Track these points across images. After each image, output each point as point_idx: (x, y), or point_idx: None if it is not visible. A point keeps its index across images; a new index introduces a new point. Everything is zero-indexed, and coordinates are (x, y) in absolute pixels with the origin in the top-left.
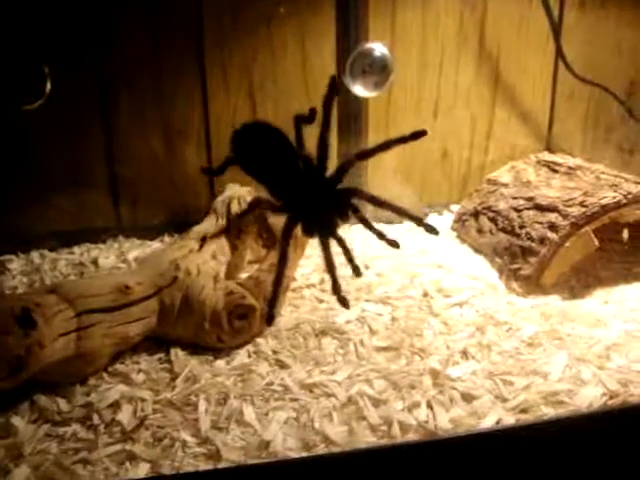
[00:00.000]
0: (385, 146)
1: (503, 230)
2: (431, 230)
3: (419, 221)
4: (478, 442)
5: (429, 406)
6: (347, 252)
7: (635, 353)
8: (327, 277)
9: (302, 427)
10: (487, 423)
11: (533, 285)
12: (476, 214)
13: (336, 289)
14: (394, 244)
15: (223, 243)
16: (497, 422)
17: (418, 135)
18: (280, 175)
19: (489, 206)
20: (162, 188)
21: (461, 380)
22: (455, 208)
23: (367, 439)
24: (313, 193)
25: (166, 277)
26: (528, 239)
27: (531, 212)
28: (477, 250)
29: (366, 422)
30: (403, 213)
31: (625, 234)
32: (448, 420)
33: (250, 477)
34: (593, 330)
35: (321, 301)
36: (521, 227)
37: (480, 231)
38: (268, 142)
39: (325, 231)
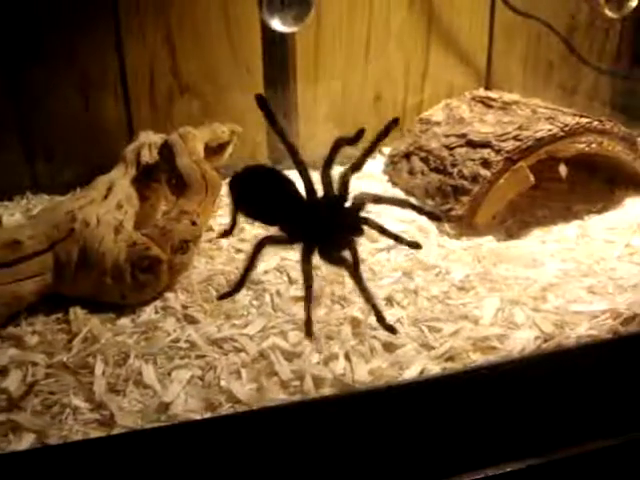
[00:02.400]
0: (371, 149)
1: (435, 170)
2: (434, 217)
3: (420, 210)
4: (397, 395)
5: (347, 358)
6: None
7: (572, 293)
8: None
9: (207, 386)
10: (410, 374)
11: (466, 226)
12: (407, 155)
13: (379, 317)
14: (415, 245)
15: (131, 192)
16: (421, 372)
17: (394, 123)
18: (288, 215)
19: (421, 146)
20: (78, 142)
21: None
22: (388, 150)
23: (276, 396)
24: (324, 222)
25: (61, 229)
26: (460, 177)
27: (463, 149)
28: (409, 192)
29: (277, 378)
30: (406, 204)
31: (562, 170)
32: (367, 372)
33: (145, 443)
34: (529, 271)
35: (239, 251)
36: (453, 165)
37: (411, 172)
38: (269, 187)
39: (343, 254)
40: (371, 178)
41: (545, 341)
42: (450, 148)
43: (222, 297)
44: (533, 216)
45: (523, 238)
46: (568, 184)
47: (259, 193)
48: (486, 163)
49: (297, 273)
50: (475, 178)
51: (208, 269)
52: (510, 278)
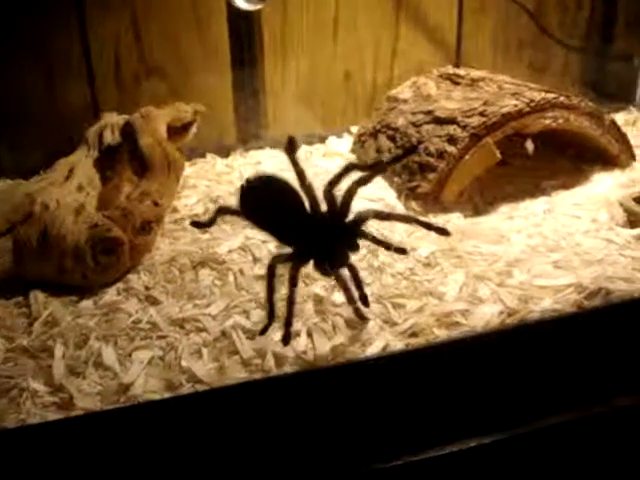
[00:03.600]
0: (381, 167)
1: (402, 148)
2: (442, 232)
3: (428, 225)
4: (359, 371)
5: (309, 335)
6: (358, 281)
7: (538, 268)
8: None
9: (167, 367)
10: (373, 350)
11: (432, 203)
12: (375, 133)
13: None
14: (401, 251)
15: (93, 174)
16: (383, 348)
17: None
18: (293, 226)
19: (388, 124)
20: (43, 126)
21: (347, 305)
22: (355, 129)
23: (237, 375)
24: (321, 235)
25: (19, 212)
26: (427, 155)
27: (430, 126)
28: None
29: (238, 356)
30: (412, 220)
31: (529, 146)
32: (329, 349)
33: (103, 425)
34: (495, 247)
35: (204, 232)
36: (419, 143)
37: (379, 151)
38: (278, 197)
39: (339, 266)
40: (339, 157)
41: (509, 315)
42: (417, 125)
43: (263, 332)
44: (500, 192)
45: (490, 214)
46: (535, 160)
47: (265, 202)
48: (452, 139)
49: (261, 252)
50: (441, 155)
51: (171, 250)
52: (476, 254)
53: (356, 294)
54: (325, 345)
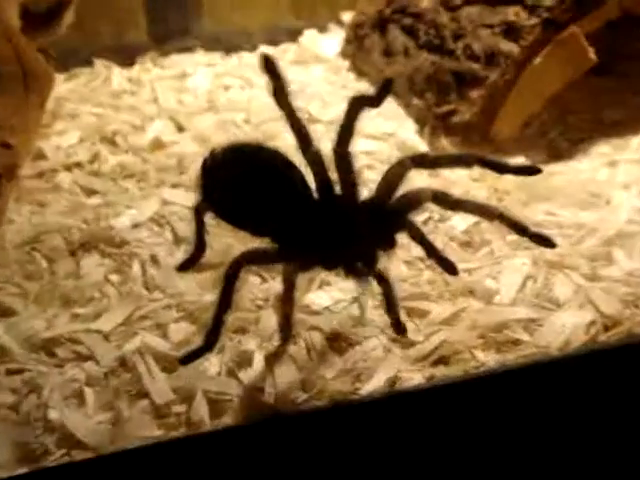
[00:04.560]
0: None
1: (427, 46)
2: (546, 243)
3: (524, 231)
4: (347, 421)
5: (267, 363)
6: (391, 297)
7: None
8: None
9: (24, 422)
10: (372, 387)
11: (478, 140)
12: (382, 24)
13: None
14: (452, 270)
15: None
16: (391, 384)
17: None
18: (289, 220)
19: (403, 7)
20: None
21: (330, 311)
22: (349, 17)
23: (145, 432)
24: (340, 229)
25: None
26: (468, 58)
27: (474, 9)
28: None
29: (147, 401)
30: (496, 216)
31: None
32: (298, 386)
33: None
34: (585, 213)
35: (93, 193)
36: (457, 37)
37: (389, 53)
38: (260, 177)
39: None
40: (322, 64)
41: (606, 329)
42: (452, 8)
43: (185, 361)
44: (596, 122)
45: (577, 159)
46: None
47: (244, 186)
48: (512, 30)
49: (185, 225)
50: (493, 57)
51: (34, 224)
52: (551, 226)
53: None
54: (293, 378)
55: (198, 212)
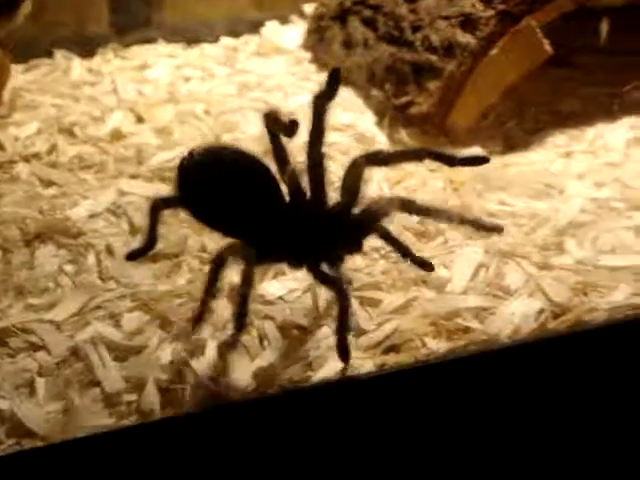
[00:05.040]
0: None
1: (386, 38)
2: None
3: (481, 225)
4: (299, 408)
5: (220, 352)
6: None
7: (609, 238)
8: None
9: None
10: (322, 375)
11: (435, 131)
12: (342, 15)
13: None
14: (427, 266)
15: None
16: (341, 372)
17: None
18: (261, 220)
19: None
20: None
21: (284, 301)
22: (310, 9)
23: (95, 421)
24: (307, 230)
25: None
26: (426, 49)
27: (432, 1)
28: (344, 78)
29: (99, 390)
30: (464, 220)
31: (604, 29)
32: (251, 375)
33: None
34: (538, 203)
35: (50, 184)
36: (415, 29)
37: (349, 45)
38: (236, 179)
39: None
40: (284, 56)
41: (556, 316)
42: (411, 0)
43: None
44: (553, 113)
45: (533, 149)
46: (614, 56)
47: (220, 187)
48: (469, 21)
49: (142, 215)
50: (450, 49)
51: None
52: (504, 215)
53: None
54: (246, 367)
55: (155, 208)
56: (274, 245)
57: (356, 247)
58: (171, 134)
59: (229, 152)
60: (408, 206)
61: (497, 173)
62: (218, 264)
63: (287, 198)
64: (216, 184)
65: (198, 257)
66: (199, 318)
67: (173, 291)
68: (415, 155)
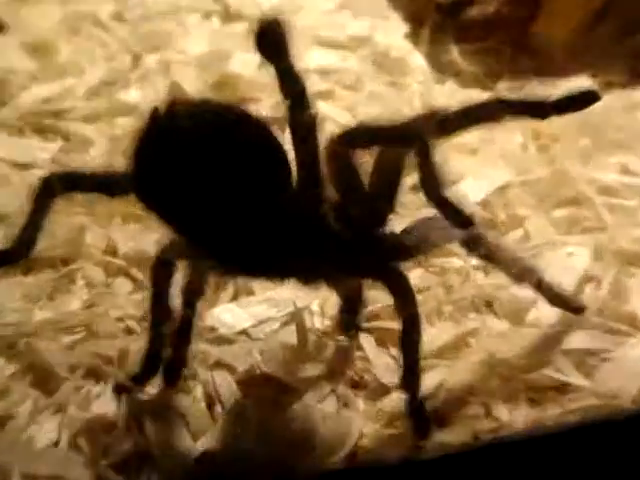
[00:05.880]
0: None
1: None
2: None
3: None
4: None
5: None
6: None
7: None
8: None
9: None
10: None
11: (509, 48)
12: None
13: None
14: (468, 222)
15: None
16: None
17: None
18: (254, 213)
19: None
20: None
21: (250, 338)
22: None
23: None
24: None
25: None
26: None
27: None
28: None
29: None
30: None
31: None
32: None
33: None
34: None
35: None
36: None
37: None
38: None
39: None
40: None
41: None
42: None
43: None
44: None
45: None
46: None
47: (208, 164)
48: None
49: (9, 196)
50: None
51: None
52: (630, 193)
53: None
54: (184, 454)
55: (46, 191)
56: (268, 247)
57: (394, 272)
58: (55, 54)
59: (222, 110)
60: (474, 242)
61: (616, 120)
62: (164, 271)
63: (295, 182)
64: (203, 160)
65: (102, 264)
66: (148, 368)
67: (59, 322)
68: (481, 112)
